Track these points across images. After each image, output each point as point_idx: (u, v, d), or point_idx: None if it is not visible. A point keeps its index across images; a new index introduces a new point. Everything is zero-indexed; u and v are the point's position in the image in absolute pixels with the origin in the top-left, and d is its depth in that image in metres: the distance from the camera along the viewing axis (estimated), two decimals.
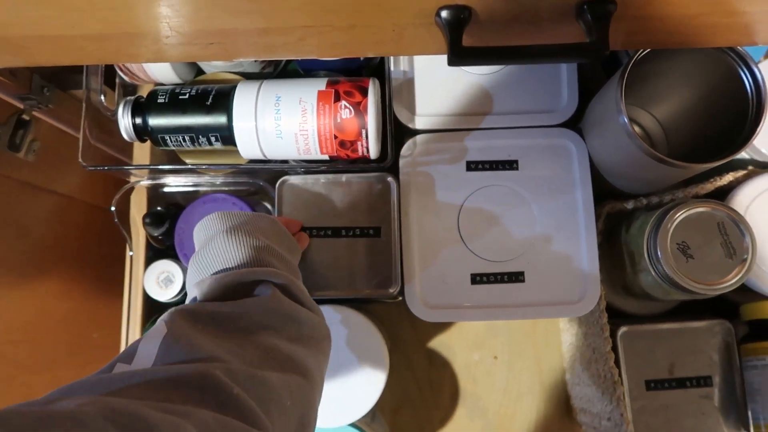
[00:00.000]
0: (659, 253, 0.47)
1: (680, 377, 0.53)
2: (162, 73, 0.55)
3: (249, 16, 0.36)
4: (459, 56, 0.34)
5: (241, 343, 0.35)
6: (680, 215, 0.47)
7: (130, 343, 0.59)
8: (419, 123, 0.54)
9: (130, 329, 0.60)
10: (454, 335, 0.68)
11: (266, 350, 0.36)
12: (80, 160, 0.52)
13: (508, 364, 0.67)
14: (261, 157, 0.52)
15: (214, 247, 0.40)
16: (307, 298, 0.41)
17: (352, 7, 0.34)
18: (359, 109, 0.48)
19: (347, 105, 0.48)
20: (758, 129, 0.44)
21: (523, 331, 0.67)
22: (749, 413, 0.52)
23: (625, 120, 0.45)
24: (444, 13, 0.34)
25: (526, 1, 0.34)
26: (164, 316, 0.35)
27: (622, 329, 0.54)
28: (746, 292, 0.53)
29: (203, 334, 0.34)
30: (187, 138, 0.51)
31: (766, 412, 0.50)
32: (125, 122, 0.51)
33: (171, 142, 0.52)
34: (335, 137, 0.49)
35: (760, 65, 0.55)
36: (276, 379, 0.34)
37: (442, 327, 0.68)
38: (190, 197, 0.61)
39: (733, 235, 0.47)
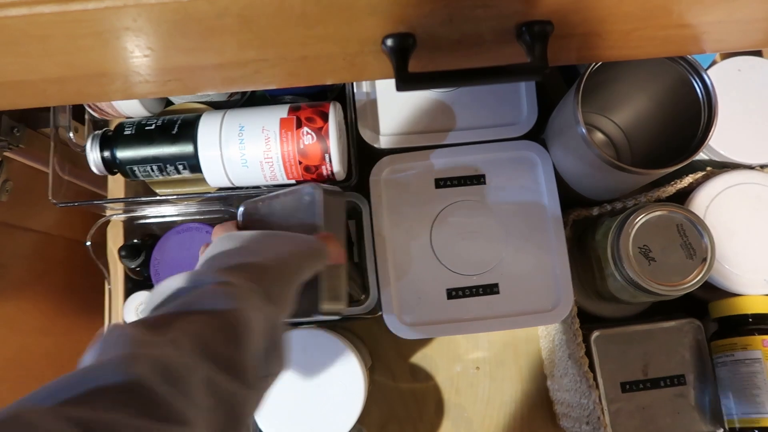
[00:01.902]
0: (622, 257, 0.48)
1: (654, 377, 0.54)
2: (130, 107, 0.56)
3: (202, 54, 0.37)
4: (406, 82, 0.35)
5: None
6: (640, 219, 0.48)
7: None
8: (384, 142, 0.55)
9: None
10: (435, 348, 0.68)
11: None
12: (50, 197, 0.53)
13: (490, 375, 0.68)
14: (228, 185, 0.52)
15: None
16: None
17: (301, 40, 0.35)
18: (321, 134, 0.49)
19: (309, 131, 0.49)
20: (710, 133, 0.45)
21: (503, 341, 0.68)
22: (723, 409, 0.53)
23: (583, 131, 0.47)
24: (389, 41, 0.35)
25: (468, 26, 0.35)
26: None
27: (595, 333, 0.54)
28: (714, 290, 0.54)
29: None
30: (155, 167, 0.52)
31: (738, 408, 0.51)
32: (94, 156, 0.52)
33: (140, 172, 0.53)
34: (300, 163, 0.50)
35: (717, 64, 0.57)
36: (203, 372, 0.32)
37: (423, 341, 0.69)
38: (165, 227, 0.62)
39: (692, 237, 0.48)
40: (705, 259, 0.48)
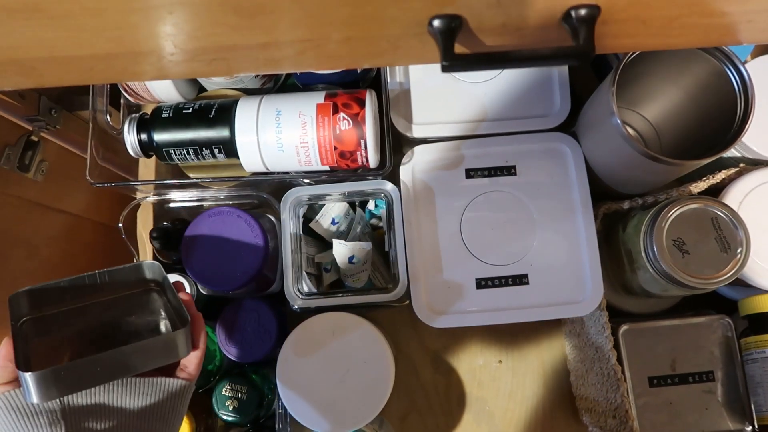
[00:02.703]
0: (655, 249, 0.48)
1: (682, 373, 0.54)
2: (165, 92, 0.57)
3: (249, 32, 0.38)
4: (451, 63, 0.35)
5: None
6: (674, 212, 0.48)
7: None
8: (416, 132, 0.55)
9: None
10: (457, 341, 0.69)
11: None
12: (88, 177, 0.54)
13: (513, 368, 0.68)
14: (263, 170, 0.53)
15: None
16: None
17: (348, 20, 0.35)
18: (357, 120, 0.49)
19: (345, 117, 0.49)
20: (746, 126, 0.45)
21: (525, 335, 0.68)
22: (752, 406, 0.52)
23: (618, 122, 0.47)
24: (436, 23, 0.35)
25: (515, 9, 0.35)
26: None
27: (624, 327, 0.54)
28: (742, 288, 0.54)
29: None
30: (191, 151, 0.53)
31: (767, 405, 0.50)
32: (131, 138, 0.53)
33: (176, 155, 0.53)
34: (335, 148, 0.50)
35: (748, 64, 0.56)
36: None
37: (445, 333, 0.69)
38: (195, 212, 0.62)
39: (727, 230, 0.48)
40: (739, 253, 0.47)
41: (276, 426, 0.57)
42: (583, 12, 0.34)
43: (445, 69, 0.36)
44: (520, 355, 0.68)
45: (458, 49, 0.36)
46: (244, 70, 0.44)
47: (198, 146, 0.53)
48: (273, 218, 0.61)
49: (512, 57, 0.36)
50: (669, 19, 0.37)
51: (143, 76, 0.43)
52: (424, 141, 0.56)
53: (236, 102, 0.52)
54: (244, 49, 0.39)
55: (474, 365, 0.68)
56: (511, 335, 0.68)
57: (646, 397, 0.53)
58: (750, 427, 0.52)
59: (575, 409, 0.66)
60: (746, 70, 0.46)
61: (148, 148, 0.53)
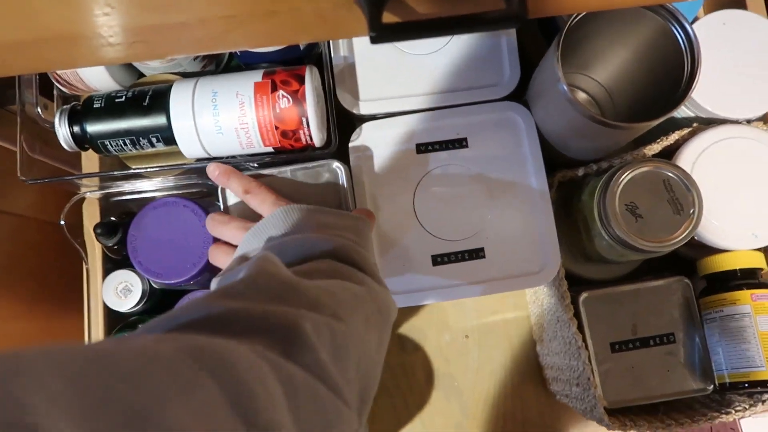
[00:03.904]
0: (609, 215, 0.47)
1: (643, 336, 0.53)
2: (99, 80, 0.54)
3: (166, 10, 0.35)
4: (379, 34, 0.33)
5: (331, 289, 0.33)
6: (626, 176, 0.47)
7: None
8: (363, 108, 0.54)
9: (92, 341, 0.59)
10: (423, 318, 0.68)
11: (354, 295, 0.34)
12: (19, 174, 0.51)
13: (479, 343, 0.67)
14: (205, 155, 0.51)
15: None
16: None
17: None
18: (297, 97, 0.47)
19: (285, 94, 0.47)
20: (694, 85, 0.45)
21: (491, 309, 0.68)
22: (713, 365, 0.52)
23: (565, 88, 0.45)
24: None
25: None
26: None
27: (584, 295, 0.54)
28: (701, 247, 0.54)
29: (291, 279, 0.32)
30: (128, 141, 0.50)
31: (728, 362, 0.51)
32: (63, 131, 0.50)
33: (112, 147, 0.51)
34: (276, 128, 0.48)
35: (701, 20, 0.55)
36: (359, 334, 0.32)
37: (410, 311, 0.68)
38: (143, 204, 0.60)
39: (679, 192, 0.47)
40: (692, 214, 0.47)
41: None
42: None
43: (373, 40, 0.34)
44: (486, 329, 0.68)
45: (389, 18, 0.35)
46: (169, 53, 0.42)
47: (135, 136, 0.50)
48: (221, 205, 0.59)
49: (442, 24, 0.34)
50: None
51: (60, 65, 0.41)
52: (373, 117, 0.55)
53: (170, 86, 0.49)
54: (164, 29, 0.37)
55: (441, 342, 0.68)
56: (477, 309, 0.68)
57: (608, 363, 0.53)
58: (711, 386, 0.53)
59: (543, 378, 0.66)
60: (692, 28, 0.45)
61: (82, 140, 0.51)
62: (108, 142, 0.50)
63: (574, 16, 0.45)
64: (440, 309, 0.68)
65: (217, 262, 0.47)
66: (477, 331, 0.68)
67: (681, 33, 0.45)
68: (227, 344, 0.24)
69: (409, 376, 0.67)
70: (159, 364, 0.21)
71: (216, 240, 0.48)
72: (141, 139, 0.50)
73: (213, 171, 0.49)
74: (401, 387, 0.67)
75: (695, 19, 0.57)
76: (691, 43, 0.45)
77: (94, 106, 0.50)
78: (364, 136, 0.54)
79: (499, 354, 0.67)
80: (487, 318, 0.68)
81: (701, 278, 0.54)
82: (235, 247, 0.45)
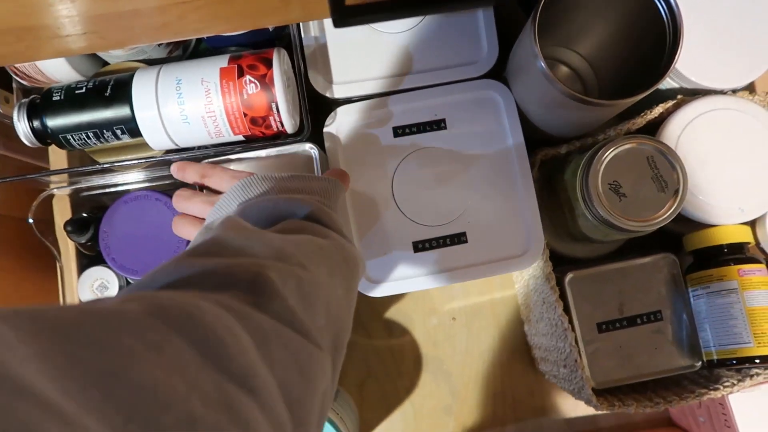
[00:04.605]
0: (592, 195, 0.46)
1: (630, 315, 0.53)
2: (60, 71, 0.52)
3: (114, 1, 0.33)
4: (343, 16, 0.31)
5: (295, 240, 0.34)
6: (609, 154, 0.46)
7: None
8: (337, 91, 0.51)
9: None
10: (409, 302, 0.67)
11: (319, 246, 0.35)
12: None
13: (467, 325, 0.67)
14: (172, 146, 0.49)
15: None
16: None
17: None
18: (265, 81, 0.45)
19: (252, 79, 0.45)
20: (676, 56, 0.43)
21: (478, 290, 0.67)
22: (701, 342, 0.52)
23: (542, 65, 0.44)
24: None
25: None
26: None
27: (569, 275, 0.53)
28: (688, 222, 0.53)
29: (255, 233, 0.33)
30: (91, 135, 0.48)
31: (715, 339, 0.50)
32: (22, 126, 0.48)
33: (75, 141, 0.49)
34: (245, 115, 0.46)
35: None
36: (325, 281, 0.33)
37: (397, 296, 0.67)
38: (116, 197, 0.58)
39: (663, 168, 0.46)
40: (677, 191, 0.46)
41: None
42: None
43: (336, 24, 0.32)
44: (473, 311, 0.67)
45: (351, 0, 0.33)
46: (123, 43, 0.40)
47: (98, 129, 0.48)
48: None
49: (409, 4, 0.32)
50: None
51: (10, 59, 0.38)
52: (348, 100, 0.53)
53: (133, 75, 0.47)
54: (115, 18, 0.35)
55: (428, 325, 0.67)
56: (464, 291, 0.67)
57: (595, 344, 0.53)
58: (699, 363, 0.52)
59: (532, 358, 0.66)
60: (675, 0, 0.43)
61: (43, 135, 0.49)
62: (70, 137, 0.48)
63: None
64: (426, 293, 0.67)
65: (182, 233, 0.45)
66: (464, 312, 0.67)
67: (662, 3, 0.43)
68: (191, 299, 0.25)
69: (397, 360, 0.66)
70: (125, 325, 0.21)
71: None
72: (105, 131, 0.48)
73: (173, 169, 0.47)
74: (390, 372, 0.66)
75: None
76: (673, 14, 0.43)
77: (54, 98, 0.48)
78: (338, 120, 0.52)
79: (486, 335, 0.66)
80: (473, 299, 0.67)
81: (688, 254, 0.54)
82: (201, 219, 0.44)
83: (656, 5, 0.44)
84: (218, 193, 0.44)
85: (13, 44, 0.36)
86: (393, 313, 0.67)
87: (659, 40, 0.45)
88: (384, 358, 0.67)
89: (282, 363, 0.26)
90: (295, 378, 0.27)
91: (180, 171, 0.46)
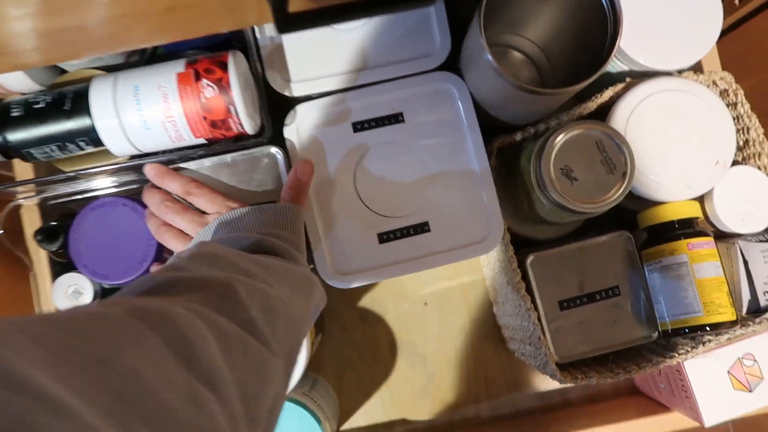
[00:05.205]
0: (545, 180, 0.48)
1: (590, 292, 0.55)
2: (16, 82, 0.52)
3: (61, 15, 0.34)
4: (286, 23, 0.32)
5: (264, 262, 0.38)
6: (559, 141, 0.48)
7: None
8: (296, 90, 0.52)
9: None
10: (381, 291, 0.69)
11: (284, 269, 0.39)
12: None
13: (438, 309, 0.69)
14: (135, 152, 0.50)
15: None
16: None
17: None
18: (222, 85, 0.46)
19: (209, 83, 0.46)
20: (616, 45, 0.44)
21: (447, 275, 0.69)
22: (656, 314, 0.54)
23: (490, 57, 0.45)
24: None
25: None
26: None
27: (530, 257, 0.55)
28: (642, 201, 0.55)
29: (229, 253, 0.37)
30: (54, 147, 0.49)
31: (669, 310, 0.53)
32: None
33: (38, 154, 0.49)
34: (204, 118, 0.47)
35: None
36: (287, 299, 0.36)
37: (368, 286, 0.69)
38: (83, 204, 0.59)
39: (612, 151, 0.48)
40: (625, 173, 0.48)
41: None
42: None
43: (280, 30, 0.33)
44: (444, 296, 0.69)
45: (297, 6, 0.34)
46: (70, 57, 0.40)
47: (61, 141, 0.48)
48: None
49: (350, 9, 0.33)
50: None
51: None
52: (307, 98, 0.54)
53: (89, 85, 0.48)
54: (62, 33, 0.36)
55: (400, 312, 0.69)
56: (434, 277, 0.69)
57: (558, 321, 0.55)
58: (656, 333, 0.55)
59: (502, 338, 0.68)
60: None
61: (4, 150, 0.49)
62: (33, 151, 0.49)
63: None
64: (397, 280, 0.69)
65: (167, 243, 0.48)
66: (435, 297, 0.69)
67: None
68: (165, 304, 0.28)
69: (372, 348, 0.68)
70: (108, 322, 0.24)
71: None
72: (68, 143, 0.49)
73: (149, 172, 0.49)
74: (366, 359, 0.68)
75: None
76: (613, 2, 0.44)
77: (12, 114, 0.48)
78: (298, 119, 0.53)
79: (457, 318, 0.69)
80: (443, 284, 0.69)
81: (642, 231, 0.56)
82: (187, 235, 0.47)
83: None
84: (204, 212, 0.47)
85: None
86: (366, 302, 0.69)
87: (602, 25, 0.46)
88: (359, 347, 0.68)
89: (241, 365, 0.29)
90: (251, 379, 0.30)
91: (159, 177, 0.48)
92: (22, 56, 0.36)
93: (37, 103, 0.48)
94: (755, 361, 0.56)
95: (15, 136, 0.48)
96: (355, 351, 0.68)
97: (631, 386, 0.69)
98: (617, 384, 0.69)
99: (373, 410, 0.68)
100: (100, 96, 0.47)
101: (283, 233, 0.43)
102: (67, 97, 0.48)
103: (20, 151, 0.49)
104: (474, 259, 0.69)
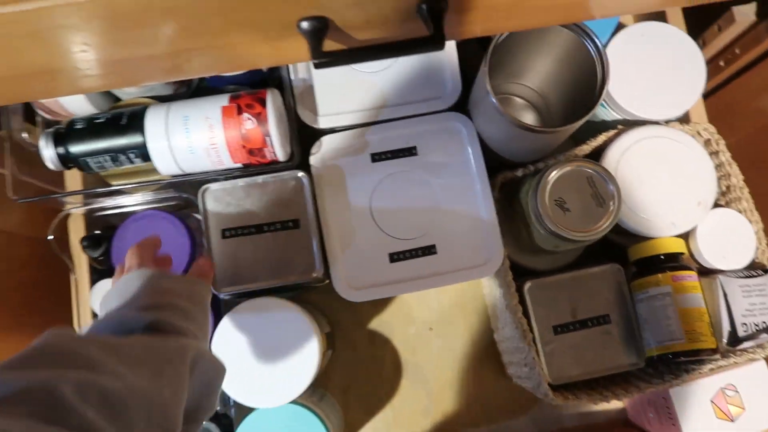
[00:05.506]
0: (539, 209, 0.53)
1: (582, 318, 0.59)
2: (78, 106, 0.59)
3: (134, 46, 0.41)
4: (321, 61, 0.39)
5: (117, 346, 0.37)
6: (554, 175, 0.53)
7: None
8: (323, 123, 0.59)
9: None
10: (390, 313, 0.73)
11: (145, 348, 0.38)
12: (10, 194, 0.56)
13: (443, 334, 0.73)
14: (179, 172, 0.56)
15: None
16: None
17: (221, 28, 0.39)
18: (261, 119, 0.53)
19: (249, 116, 0.53)
20: (605, 90, 0.51)
21: (451, 302, 0.73)
22: (644, 342, 0.58)
23: (494, 100, 0.51)
24: (304, 24, 0.39)
25: (372, 8, 0.39)
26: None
27: (528, 284, 0.60)
28: (632, 237, 0.60)
29: (75, 342, 0.35)
30: (108, 158, 0.55)
31: (654, 338, 0.57)
32: (48, 152, 0.55)
33: (93, 164, 0.56)
34: (243, 146, 0.54)
35: (619, 33, 0.62)
36: (145, 386, 0.35)
37: (378, 308, 0.73)
38: (125, 218, 0.65)
39: (601, 186, 0.53)
40: (612, 205, 0.53)
41: (218, 408, 0.60)
42: (432, 5, 0.39)
43: (317, 66, 0.40)
44: (448, 321, 0.73)
45: (331, 45, 0.40)
46: (140, 81, 0.47)
47: (114, 153, 0.55)
48: (199, 216, 0.64)
49: (375, 50, 0.40)
50: (512, 4, 0.42)
51: (44, 94, 0.46)
52: (331, 130, 0.60)
53: (146, 108, 0.55)
54: (134, 61, 0.43)
55: (407, 334, 0.73)
56: (439, 303, 0.74)
57: (552, 344, 0.59)
58: (643, 361, 0.59)
59: (501, 364, 0.72)
60: (600, 41, 0.51)
61: (66, 159, 0.56)
62: (90, 160, 0.56)
63: (499, 35, 0.51)
64: (405, 304, 0.73)
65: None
66: (440, 323, 0.73)
67: (592, 45, 0.52)
68: None
69: (378, 367, 0.72)
70: None
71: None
72: (120, 155, 0.55)
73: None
74: (372, 377, 0.72)
75: (619, 28, 0.63)
76: (600, 54, 0.51)
77: (77, 127, 0.55)
78: (323, 148, 0.59)
79: (460, 344, 0.73)
80: (448, 311, 0.73)
81: (632, 264, 0.61)
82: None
83: (587, 47, 0.52)
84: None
85: (49, 82, 0.43)
86: (375, 323, 0.73)
87: (592, 75, 0.53)
88: (367, 365, 0.73)
89: None
90: None
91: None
92: (83, 81, 0.42)
93: (99, 118, 0.55)
94: (737, 391, 0.59)
95: (77, 146, 0.55)
96: (361, 369, 0.72)
97: (624, 418, 0.72)
98: (611, 415, 0.72)
99: (376, 427, 0.71)
100: (154, 120, 0.54)
101: (178, 302, 0.44)
102: (124, 115, 0.55)
103: (79, 160, 0.56)
104: (477, 290, 0.74)
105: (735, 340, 0.55)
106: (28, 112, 0.62)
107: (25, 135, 0.59)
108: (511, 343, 0.63)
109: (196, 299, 0.47)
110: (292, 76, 0.60)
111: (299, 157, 0.58)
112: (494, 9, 0.42)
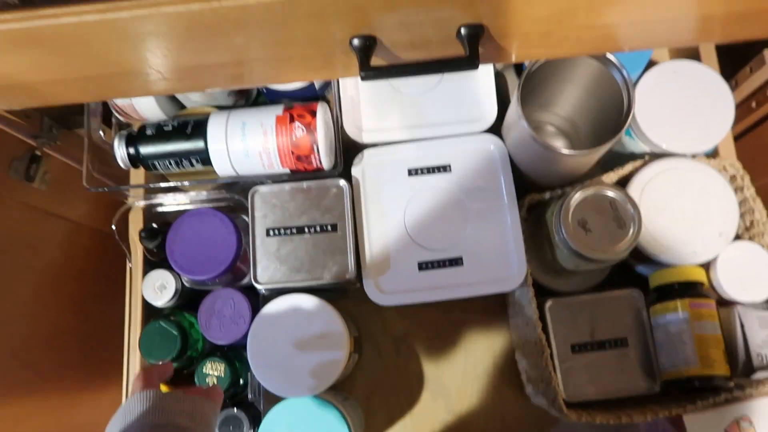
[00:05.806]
0: (563, 229, 0.56)
1: (600, 340, 0.61)
2: (149, 110, 0.66)
3: (209, 54, 0.47)
4: (367, 74, 0.44)
5: None
6: (578, 197, 0.57)
7: (131, 343, 0.69)
8: (365, 137, 0.64)
9: (132, 331, 0.70)
10: (416, 326, 0.76)
11: None
12: (84, 183, 0.63)
13: (466, 349, 0.75)
14: (234, 174, 0.62)
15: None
16: None
17: (285, 41, 0.45)
18: (310, 128, 0.58)
19: (300, 125, 0.59)
20: (629, 118, 0.54)
21: (476, 320, 0.76)
22: (660, 366, 0.60)
23: (525, 124, 0.56)
24: (355, 41, 0.44)
25: (416, 29, 0.44)
26: None
27: (549, 302, 0.62)
28: (653, 264, 0.62)
29: None
30: (172, 162, 0.62)
31: (668, 361, 0.58)
32: (121, 152, 0.62)
33: (159, 166, 0.62)
34: (292, 153, 0.59)
35: (652, 69, 0.65)
36: None
37: (405, 319, 0.77)
38: (178, 215, 0.71)
39: (622, 210, 0.56)
40: (632, 227, 0.56)
41: (249, 396, 0.64)
42: (470, 30, 0.44)
43: (363, 78, 0.45)
44: (471, 338, 0.76)
45: (377, 61, 0.46)
46: (208, 86, 0.53)
47: (178, 157, 0.62)
48: (247, 218, 0.70)
49: (417, 67, 0.45)
50: (544, 34, 0.46)
51: (127, 93, 0.52)
52: (373, 145, 0.65)
53: (208, 116, 0.61)
54: (206, 68, 0.49)
55: (431, 347, 0.76)
56: (463, 320, 0.76)
57: (569, 362, 0.61)
58: (658, 387, 0.60)
59: (521, 383, 0.74)
60: (627, 72, 0.55)
61: (135, 160, 0.63)
62: (157, 162, 0.62)
63: (533, 63, 0.56)
64: (430, 318, 0.76)
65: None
66: (464, 339, 0.76)
67: (619, 76, 0.56)
68: None
69: (402, 377, 0.75)
70: None
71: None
72: (183, 160, 0.62)
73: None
74: (395, 386, 0.75)
75: (651, 64, 0.67)
76: (627, 84, 0.55)
77: (147, 133, 0.62)
78: (365, 161, 0.64)
79: (482, 360, 0.75)
80: (472, 327, 0.76)
81: (652, 290, 0.63)
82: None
83: (614, 77, 0.56)
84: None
85: (133, 82, 0.50)
86: (402, 334, 0.76)
87: (619, 105, 0.56)
88: (390, 374, 0.75)
89: None
90: None
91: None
92: (158, 83, 0.48)
93: (166, 126, 0.62)
94: (751, 424, 0.60)
95: (146, 149, 0.62)
96: (386, 377, 0.75)
97: None
98: None
99: None
100: (215, 126, 0.60)
101: (179, 420, 0.47)
102: (189, 124, 0.62)
103: (147, 161, 0.62)
104: (501, 306, 0.77)
105: (750, 369, 0.56)
106: (106, 114, 0.69)
107: (101, 133, 0.66)
108: (531, 359, 0.65)
109: (198, 418, 0.49)
110: (341, 94, 0.66)
111: (342, 167, 0.63)
112: (527, 37, 0.46)
